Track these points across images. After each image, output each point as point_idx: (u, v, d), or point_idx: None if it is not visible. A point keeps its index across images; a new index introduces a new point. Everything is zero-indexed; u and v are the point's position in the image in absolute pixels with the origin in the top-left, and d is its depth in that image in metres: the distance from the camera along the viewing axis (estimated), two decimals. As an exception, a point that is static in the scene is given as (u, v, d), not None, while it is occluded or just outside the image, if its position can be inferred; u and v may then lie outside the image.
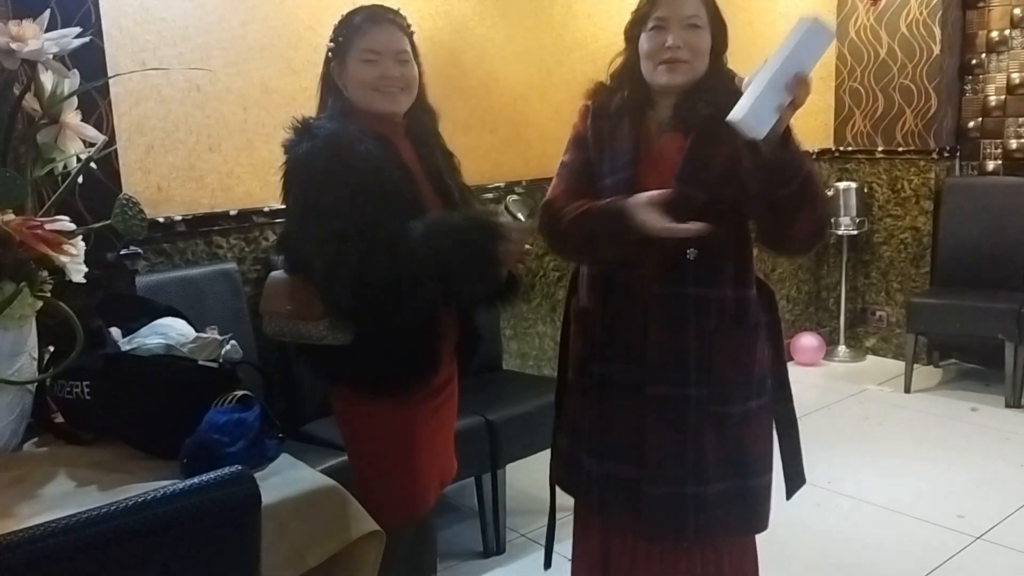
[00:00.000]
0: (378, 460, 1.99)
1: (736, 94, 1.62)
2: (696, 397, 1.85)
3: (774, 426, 1.99)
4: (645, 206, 1.73)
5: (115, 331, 1.80)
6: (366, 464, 2.02)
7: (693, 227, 1.70)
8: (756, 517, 1.96)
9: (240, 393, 1.60)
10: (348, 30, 1.92)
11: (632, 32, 1.89)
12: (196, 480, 1.08)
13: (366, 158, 1.81)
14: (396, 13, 1.95)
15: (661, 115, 1.89)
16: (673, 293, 1.84)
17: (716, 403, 1.86)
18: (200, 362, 1.64)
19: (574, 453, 2.03)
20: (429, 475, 2.04)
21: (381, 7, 1.95)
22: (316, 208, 1.80)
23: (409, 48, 1.94)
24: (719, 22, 1.87)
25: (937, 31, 4.65)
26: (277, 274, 2.01)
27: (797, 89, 1.56)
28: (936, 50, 4.67)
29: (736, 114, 1.56)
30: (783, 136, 1.64)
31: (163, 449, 1.54)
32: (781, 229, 1.80)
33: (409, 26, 1.96)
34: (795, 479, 2.06)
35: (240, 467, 1.13)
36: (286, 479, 1.50)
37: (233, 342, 1.71)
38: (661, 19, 1.82)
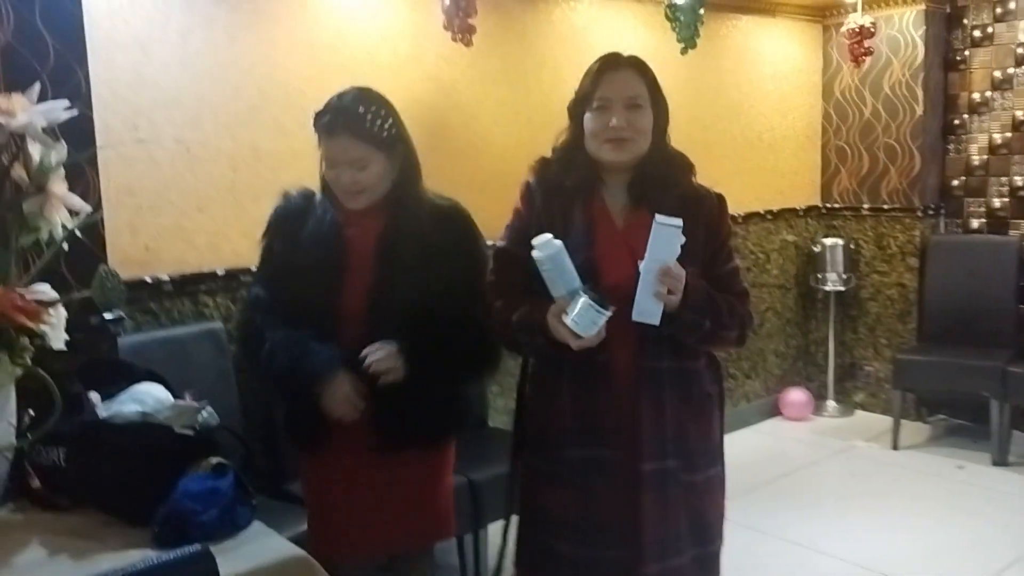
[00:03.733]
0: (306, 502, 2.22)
1: (678, 173, 1.92)
2: (673, 468, 1.87)
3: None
4: (559, 322, 1.76)
5: (94, 395, 1.83)
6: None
7: (599, 338, 1.76)
8: None
9: (215, 461, 1.62)
10: (317, 130, 1.99)
11: (576, 110, 1.91)
12: (156, 560, 1.10)
13: (311, 222, 2.00)
14: (356, 116, 1.92)
15: (614, 194, 1.92)
16: (651, 368, 1.86)
17: (686, 472, 1.88)
18: (176, 429, 1.66)
19: (545, 542, 1.96)
20: (338, 529, 2.09)
21: (344, 112, 1.93)
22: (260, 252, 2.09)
23: (367, 153, 1.92)
24: (660, 102, 1.90)
25: (920, 92, 4.74)
26: None
27: (666, 281, 1.74)
28: (919, 111, 4.76)
29: (634, 314, 1.78)
30: (681, 307, 1.79)
31: (137, 517, 1.54)
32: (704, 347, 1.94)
33: (372, 130, 1.93)
34: None
35: (200, 546, 1.15)
36: (256, 549, 1.50)
37: (209, 408, 1.74)
38: (604, 99, 1.85)
